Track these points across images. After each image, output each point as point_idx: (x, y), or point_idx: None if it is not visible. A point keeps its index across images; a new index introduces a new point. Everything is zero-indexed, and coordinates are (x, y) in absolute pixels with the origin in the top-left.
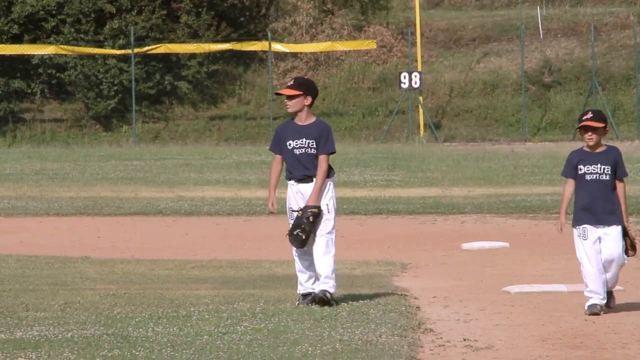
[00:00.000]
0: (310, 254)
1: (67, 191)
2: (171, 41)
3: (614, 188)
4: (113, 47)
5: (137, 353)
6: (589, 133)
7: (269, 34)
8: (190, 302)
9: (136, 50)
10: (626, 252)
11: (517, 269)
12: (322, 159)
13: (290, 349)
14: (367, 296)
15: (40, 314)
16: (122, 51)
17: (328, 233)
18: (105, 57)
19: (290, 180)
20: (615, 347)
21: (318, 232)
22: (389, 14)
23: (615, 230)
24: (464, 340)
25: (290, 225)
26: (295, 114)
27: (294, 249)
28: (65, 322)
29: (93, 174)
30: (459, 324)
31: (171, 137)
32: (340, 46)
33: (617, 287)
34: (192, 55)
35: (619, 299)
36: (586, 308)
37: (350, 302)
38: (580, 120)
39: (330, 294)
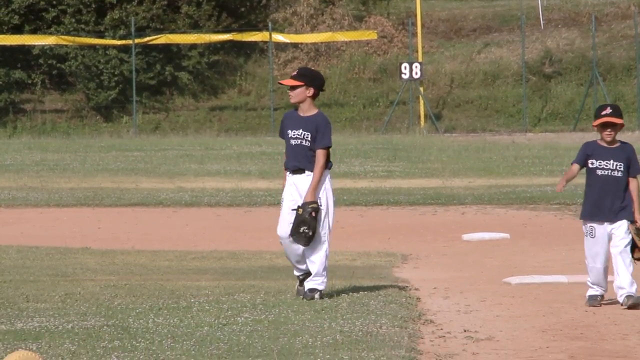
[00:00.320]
0: (299, 248)
1: (67, 182)
2: (172, 32)
3: (627, 185)
4: (114, 38)
5: (137, 344)
6: (609, 130)
7: (270, 25)
8: (190, 293)
9: (137, 40)
10: (632, 250)
11: (518, 260)
12: (319, 153)
13: (290, 340)
14: (367, 287)
15: (41, 305)
16: (123, 42)
17: (321, 229)
18: (105, 47)
19: (286, 170)
20: (616, 338)
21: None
22: (389, 5)
23: (625, 225)
24: (465, 331)
25: (292, 225)
26: (298, 104)
27: (283, 246)
28: (66, 313)
29: (93, 164)
30: (460, 315)
31: (172, 128)
32: (341, 37)
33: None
34: (193, 46)
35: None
36: (586, 298)
37: (350, 294)
38: (599, 116)
39: (319, 291)
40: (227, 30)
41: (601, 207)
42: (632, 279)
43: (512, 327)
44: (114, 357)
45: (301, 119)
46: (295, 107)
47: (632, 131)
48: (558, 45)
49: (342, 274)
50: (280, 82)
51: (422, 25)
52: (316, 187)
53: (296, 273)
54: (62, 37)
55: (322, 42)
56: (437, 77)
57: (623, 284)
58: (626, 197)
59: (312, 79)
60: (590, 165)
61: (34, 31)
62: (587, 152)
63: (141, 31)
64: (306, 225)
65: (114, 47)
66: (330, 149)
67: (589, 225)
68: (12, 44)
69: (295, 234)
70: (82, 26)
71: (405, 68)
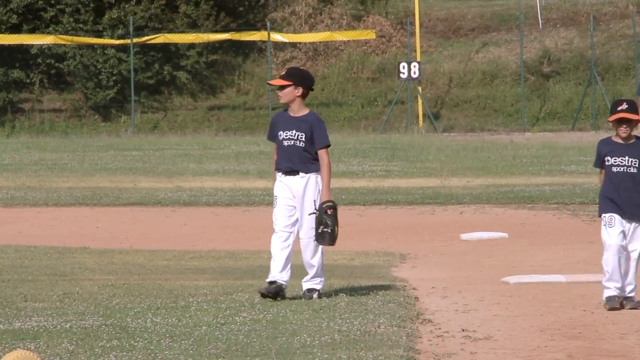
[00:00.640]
0: (286, 239)
1: (65, 181)
2: (170, 31)
3: None
4: (112, 37)
5: (135, 344)
6: (624, 126)
7: (268, 24)
8: (188, 292)
9: (135, 40)
10: None
11: (516, 259)
12: (321, 153)
13: (288, 340)
14: (365, 287)
15: (39, 304)
16: (121, 41)
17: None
18: (104, 47)
19: (277, 172)
20: (614, 337)
21: (304, 234)
22: (387, 4)
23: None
24: (463, 330)
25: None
26: (288, 104)
27: (273, 241)
28: (64, 313)
29: (92, 164)
30: (458, 315)
31: (170, 128)
32: (339, 36)
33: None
34: (191, 45)
35: None
36: (604, 300)
37: (348, 293)
38: (615, 111)
39: (317, 291)
40: (225, 29)
41: (618, 203)
42: (635, 284)
43: (510, 326)
44: (112, 357)
45: (293, 120)
46: (286, 107)
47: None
48: (556, 44)
49: (341, 274)
50: (269, 82)
51: (421, 25)
52: (328, 186)
53: (269, 279)
54: (61, 36)
55: (320, 42)
56: (436, 76)
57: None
58: None
59: (301, 79)
60: (606, 163)
61: (32, 30)
62: (602, 151)
63: (139, 30)
64: (326, 225)
65: (112, 46)
66: (329, 149)
67: (608, 215)
68: (11, 43)
69: (318, 236)
70: (81, 25)
71: (403, 67)
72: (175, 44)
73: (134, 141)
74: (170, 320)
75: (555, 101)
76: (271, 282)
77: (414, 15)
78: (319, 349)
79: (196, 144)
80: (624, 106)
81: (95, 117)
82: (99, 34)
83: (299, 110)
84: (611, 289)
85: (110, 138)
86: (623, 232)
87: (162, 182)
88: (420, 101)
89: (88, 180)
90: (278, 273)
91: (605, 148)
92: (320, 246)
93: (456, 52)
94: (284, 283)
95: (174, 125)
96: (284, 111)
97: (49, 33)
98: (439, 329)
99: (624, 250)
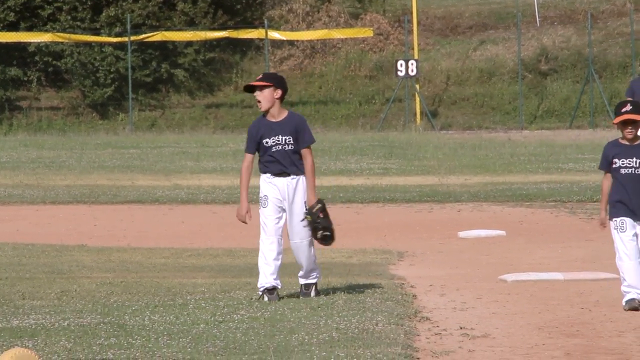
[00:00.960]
0: (279, 244)
1: (63, 179)
2: (168, 29)
3: None
4: (109, 35)
5: (133, 341)
6: (629, 127)
7: (266, 22)
8: (186, 290)
9: (133, 38)
10: None
11: (514, 257)
12: (306, 152)
13: (286, 338)
14: (363, 284)
15: (37, 302)
16: (119, 39)
17: (307, 236)
18: (101, 45)
19: (265, 173)
20: (612, 335)
21: (295, 236)
22: (385, 2)
23: None
24: (461, 328)
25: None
26: (267, 110)
27: (261, 240)
28: (62, 311)
29: (89, 162)
30: (456, 312)
31: (168, 125)
32: (337, 34)
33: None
34: (189, 43)
35: (614, 287)
36: (624, 303)
37: (346, 291)
38: (619, 113)
39: (314, 284)
40: (223, 27)
41: (628, 205)
42: None
43: (508, 324)
44: (110, 355)
45: (275, 125)
46: (264, 114)
47: None
48: (554, 42)
49: (338, 271)
50: (248, 84)
51: (418, 23)
52: (314, 187)
53: (265, 285)
54: (58, 34)
55: (318, 40)
56: (433, 74)
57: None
58: None
59: (279, 81)
60: (614, 165)
61: (29, 28)
62: (609, 154)
63: (137, 28)
64: (324, 228)
65: (110, 44)
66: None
67: (619, 219)
68: (8, 41)
69: (321, 241)
70: (78, 23)
71: (401, 65)
72: (173, 42)
73: (132, 139)
74: (168, 318)
75: (552, 99)
76: (270, 290)
77: (411, 13)
78: (317, 346)
79: (194, 142)
80: (628, 107)
81: (93, 115)
82: (96, 32)
83: (279, 114)
84: (631, 293)
85: (107, 136)
86: (636, 234)
87: (159, 180)
88: (417, 99)
89: (86, 178)
90: (273, 279)
91: (613, 150)
92: (311, 248)
93: (454, 50)
94: (279, 285)
95: (171, 123)
96: (260, 118)
97: (46, 31)
98: (437, 326)
99: (639, 255)
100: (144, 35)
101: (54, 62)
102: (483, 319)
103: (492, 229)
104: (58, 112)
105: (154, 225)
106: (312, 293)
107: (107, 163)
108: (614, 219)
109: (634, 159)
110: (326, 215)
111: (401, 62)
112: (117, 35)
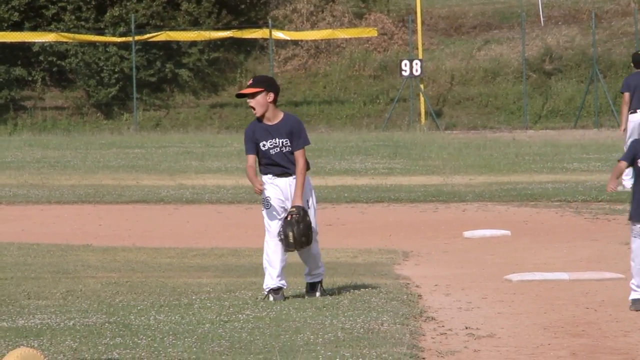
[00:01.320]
0: (285, 253)
1: (68, 179)
2: (172, 29)
3: None
4: (114, 35)
5: (139, 341)
6: None
7: (270, 22)
8: (192, 290)
9: (137, 37)
10: None
11: (519, 257)
12: (299, 154)
13: (292, 337)
14: (368, 285)
15: (42, 302)
16: (123, 39)
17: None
18: (106, 44)
19: (266, 175)
20: (617, 335)
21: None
22: (389, 2)
23: None
24: (466, 328)
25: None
26: (262, 115)
27: (266, 241)
28: (67, 310)
29: (94, 161)
30: (461, 312)
31: (172, 125)
32: (341, 34)
33: (618, 275)
34: (193, 43)
35: (620, 287)
36: (630, 301)
37: (351, 291)
38: None
39: (320, 282)
40: (227, 27)
41: None
42: None
43: (514, 324)
44: (115, 354)
45: (271, 128)
46: (259, 118)
47: None
48: (558, 42)
49: (344, 271)
50: (240, 92)
51: (422, 22)
52: (302, 189)
53: (270, 286)
54: (62, 34)
55: (322, 39)
56: (438, 74)
57: None
58: None
59: (270, 84)
60: (638, 165)
61: (34, 28)
62: (635, 152)
63: (141, 28)
64: (284, 232)
65: (114, 44)
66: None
67: (637, 226)
68: (12, 40)
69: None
70: (82, 23)
71: (405, 65)
72: (177, 42)
73: (136, 139)
74: (173, 318)
75: (557, 99)
76: (276, 290)
77: (415, 12)
78: (322, 346)
79: (198, 142)
80: None
81: (98, 114)
82: (100, 32)
83: (274, 117)
84: (638, 292)
85: (112, 136)
86: None
87: (164, 179)
88: (422, 99)
89: (90, 177)
90: (278, 280)
91: (638, 148)
92: (316, 246)
93: (458, 49)
94: (285, 286)
95: (176, 123)
96: (255, 121)
97: (50, 31)
98: (442, 326)
99: None
100: (148, 35)
101: (59, 61)
102: (488, 318)
103: (497, 229)
104: (62, 112)
105: (159, 225)
106: (318, 293)
107: (111, 163)
108: (634, 225)
109: None
110: (295, 222)
111: (405, 61)
112: (121, 35)
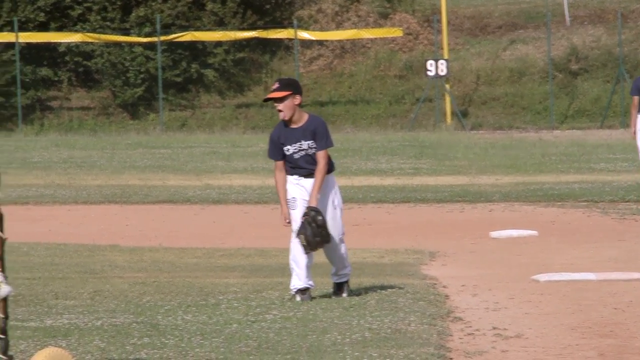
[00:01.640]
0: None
1: (95, 179)
2: (197, 29)
3: None
4: (139, 35)
5: (166, 341)
6: None
7: (295, 22)
8: (219, 290)
9: (162, 38)
10: None
11: (546, 257)
12: (320, 155)
13: (319, 338)
14: (395, 285)
15: (70, 302)
16: (149, 39)
17: (337, 234)
18: (131, 45)
19: (293, 175)
20: None
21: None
22: (414, 2)
23: None
24: (494, 328)
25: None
26: (290, 118)
27: (292, 242)
28: (95, 310)
29: (121, 162)
30: (488, 313)
31: (198, 125)
32: (366, 34)
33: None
34: (218, 43)
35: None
36: None
37: (378, 291)
38: None
39: (346, 282)
40: (252, 27)
41: None
42: None
43: (541, 324)
44: (143, 354)
45: (296, 131)
46: (285, 123)
47: None
48: (584, 42)
49: (370, 272)
50: (267, 97)
51: (448, 22)
52: (318, 190)
53: (298, 286)
54: (88, 34)
55: (347, 40)
56: (463, 74)
57: None
58: None
59: (296, 87)
60: None
61: (59, 29)
62: None
63: (167, 28)
64: (301, 233)
65: (140, 44)
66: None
67: None
68: (39, 41)
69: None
70: (108, 23)
71: (430, 65)
72: (203, 42)
73: (163, 139)
74: (200, 318)
75: (583, 99)
76: (303, 290)
77: (440, 12)
78: (349, 346)
79: (224, 142)
80: None
81: (124, 115)
82: (126, 32)
83: (299, 120)
84: None
85: (138, 136)
86: None
87: (191, 180)
88: (448, 99)
89: (117, 178)
90: (307, 280)
91: None
92: (343, 246)
93: (484, 49)
94: (312, 286)
95: (202, 123)
96: (280, 124)
97: (76, 31)
98: (470, 327)
99: None
100: (173, 35)
101: (84, 62)
102: (516, 319)
103: (524, 229)
104: (89, 112)
105: (185, 225)
106: (345, 293)
107: (138, 163)
108: None
109: None
110: (307, 223)
111: (431, 61)
112: (146, 36)
